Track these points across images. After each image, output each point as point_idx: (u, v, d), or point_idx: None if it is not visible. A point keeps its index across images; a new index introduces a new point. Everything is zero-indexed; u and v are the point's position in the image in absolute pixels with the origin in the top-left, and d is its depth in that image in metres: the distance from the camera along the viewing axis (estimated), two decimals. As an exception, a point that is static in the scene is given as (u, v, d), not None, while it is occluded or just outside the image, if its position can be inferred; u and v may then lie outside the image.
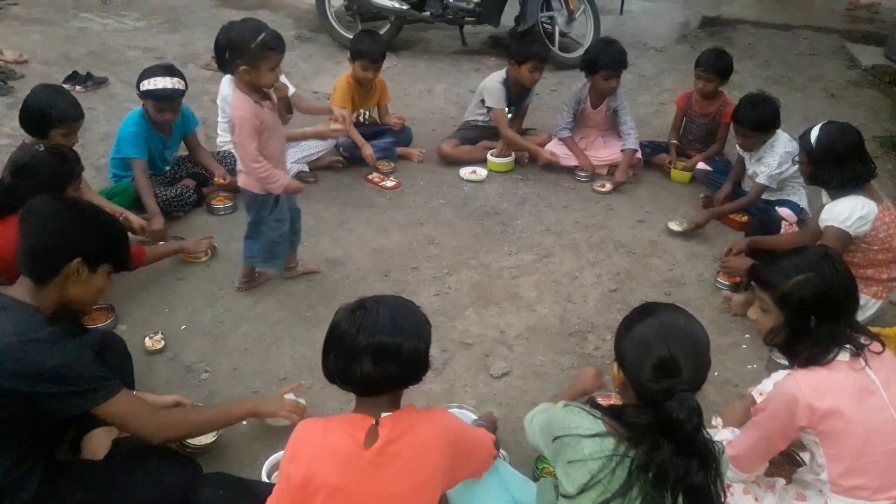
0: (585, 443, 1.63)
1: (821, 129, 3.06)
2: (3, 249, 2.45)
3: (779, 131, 3.91)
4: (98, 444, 2.34)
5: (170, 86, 3.76)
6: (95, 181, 4.11)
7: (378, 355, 1.69)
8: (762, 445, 2.08)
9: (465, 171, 4.54)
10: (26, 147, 3.17)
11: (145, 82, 3.75)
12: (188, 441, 2.43)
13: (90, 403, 1.95)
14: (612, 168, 4.60)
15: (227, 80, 4.28)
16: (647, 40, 7.36)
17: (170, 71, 3.83)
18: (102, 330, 2.82)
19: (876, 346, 2.03)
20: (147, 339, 3.00)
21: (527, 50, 4.48)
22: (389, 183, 4.40)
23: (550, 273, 3.60)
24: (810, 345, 2.02)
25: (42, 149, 2.87)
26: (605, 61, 4.36)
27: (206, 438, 2.47)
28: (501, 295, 3.42)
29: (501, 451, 2.37)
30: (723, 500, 1.62)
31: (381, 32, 6.66)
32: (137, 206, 3.84)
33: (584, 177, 4.55)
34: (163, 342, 2.99)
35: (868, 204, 2.92)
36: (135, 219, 3.59)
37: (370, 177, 4.45)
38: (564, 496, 1.66)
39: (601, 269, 3.65)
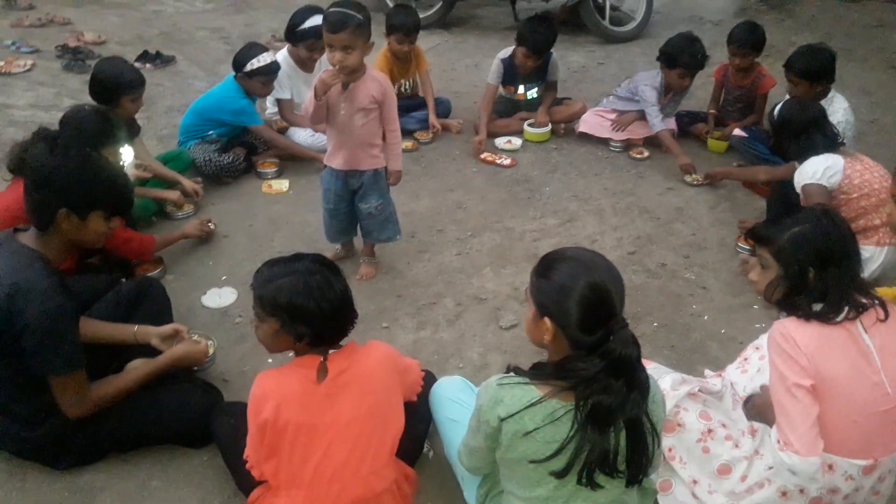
0: (525, 418, 1.64)
1: (783, 104, 3.36)
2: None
3: (838, 96, 3.85)
4: None
5: (272, 59, 4.12)
6: (157, 149, 4.45)
7: (344, 305, 1.97)
8: (796, 409, 1.91)
9: (501, 141, 4.68)
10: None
11: (253, 61, 4.05)
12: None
13: (48, 369, 2.13)
14: (647, 139, 4.63)
15: (279, 53, 4.56)
16: (703, 14, 7.27)
17: (264, 48, 4.17)
18: (144, 277, 3.11)
19: (879, 312, 1.98)
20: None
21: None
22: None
23: (571, 236, 3.71)
24: (808, 299, 2.00)
25: (87, 107, 3.15)
26: (686, 60, 4.32)
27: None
28: (520, 256, 3.57)
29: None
30: (655, 437, 1.66)
31: (434, 10, 6.86)
32: (192, 170, 4.18)
33: (618, 147, 4.61)
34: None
35: (831, 157, 3.10)
36: (188, 183, 3.92)
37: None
38: (534, 462, 1.66)
39: (622, 234, 3.74)
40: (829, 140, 3.17)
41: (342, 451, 1.94)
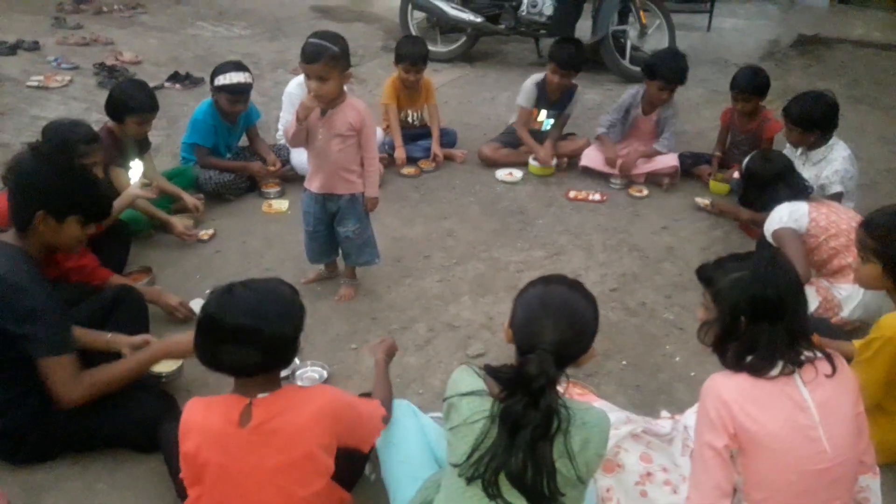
0: (463, 402, 1.73)
1: (750, 156, 3.61)
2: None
3: (839, 144, 3.79)
4: None
5: (242, 80, 4.21)
6: (171, 165, 4.61)
7: (240, 339, 1.80)
8: (700, 468, 1.90)
9: (502, 173, 4.71)
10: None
11: (220, 77, 4.20)
12: (154, 370, 2.66)
13: (38, 351, 2.23)
14: (649, 177, 4.62)
15: (295, 80, 4.71)
16: (729, 57, 7.23)
17: (240, 67, 4.29)
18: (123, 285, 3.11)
19: (824, 366, 1.91)
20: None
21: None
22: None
23: (556, 269, 3.69)
24: (739, 347, 1.95)
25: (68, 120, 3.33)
26: (664, 72, 4.43)
27: (169, 366, 2.72)
28: (501, 286, 3.57)
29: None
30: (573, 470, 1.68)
31: (458, 44, 6.99)
32: (195, 186, 4.31)
33: (618, 184, 4.60)
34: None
35: (794, 203, 3.18)
36: (188, 198, 4.05)
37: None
38: (453, 465, 1.73)
39: (608, 270, 3.72)
40: (793, 192, 3.25)
41: (260, 500, 1.88)
